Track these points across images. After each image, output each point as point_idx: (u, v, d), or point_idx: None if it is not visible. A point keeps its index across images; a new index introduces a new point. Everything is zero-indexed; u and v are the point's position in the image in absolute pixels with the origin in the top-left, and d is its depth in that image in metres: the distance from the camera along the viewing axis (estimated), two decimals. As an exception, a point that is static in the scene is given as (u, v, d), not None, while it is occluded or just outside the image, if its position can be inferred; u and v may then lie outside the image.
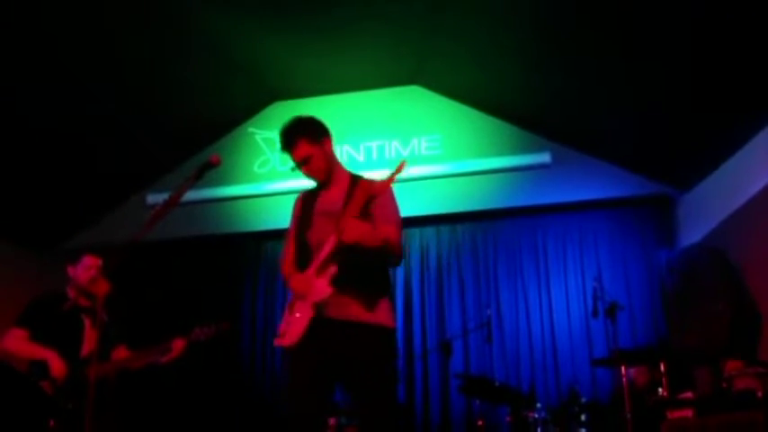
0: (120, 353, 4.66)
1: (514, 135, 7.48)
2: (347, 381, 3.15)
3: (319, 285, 3.14)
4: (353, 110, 7.78)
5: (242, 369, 7.67)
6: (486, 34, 6.17)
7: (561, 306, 7.19)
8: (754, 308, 5.68)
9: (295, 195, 3.59)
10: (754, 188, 5.70)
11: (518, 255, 7.46)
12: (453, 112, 7.66)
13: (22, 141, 6.50)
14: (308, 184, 3.49)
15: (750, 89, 5.24)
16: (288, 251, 3.44)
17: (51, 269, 7.09)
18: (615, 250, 7.25)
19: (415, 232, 7.65)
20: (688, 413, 4.65)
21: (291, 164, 3.39)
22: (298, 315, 3.18)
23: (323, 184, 3.41)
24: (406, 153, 7.66)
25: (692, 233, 6.85)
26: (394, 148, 7.70)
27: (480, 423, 5.79)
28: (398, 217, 3.36)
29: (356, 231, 3.04)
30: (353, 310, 3.15)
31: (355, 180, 3.39)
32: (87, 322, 4.56)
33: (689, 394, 5.06)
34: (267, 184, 7.80)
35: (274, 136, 7.74)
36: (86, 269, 4.59)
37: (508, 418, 5.69)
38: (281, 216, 7.45)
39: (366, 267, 3.20)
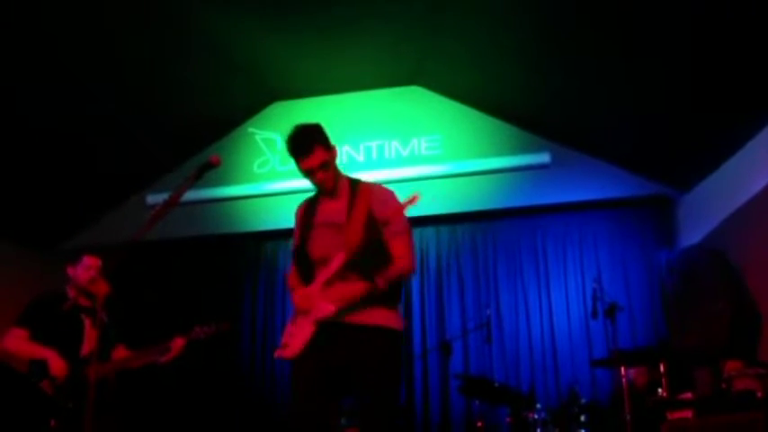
0: (120, 352, 4.67)
1: (514, 135, 7.48)
2: (352, 383, 3.13)
3: (322, 303, 3.12)
4: (353, 110, 7.78)
5: (241, 369, 7.67)
6: (485, 35, 6.17)
7: (561, 307, 7.20)
8: (753, 308, 5.68)
9: (295, 195, 3.58)
10: (754, 188, 5.69)
11: (518, 255, 7.46)
12: (453, 112, 7.66)
13: (22, 141, 6.49)
14: (306, 185, 3.45)
15: (750, 89, 5.23)
16: (293, 264, 3.41)
17: (51, 269, 7.08)
18: (615, 251, 7.25)
19: (415, 233, 7.51)
20: (688, 414, 4.64)
21: (293, 167, 3.32)
22: (299, 329, 3.17)
23: (327, 193, 3.33)
24: (405, 153, 7.66)
25: (692, 234, 6.85)
26: (394, 149, 7.70)
27: (480, 424, 5.79)
28: (410, 235, 3.35)
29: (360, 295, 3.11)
30: (362, 315, 3.14)
31: (354, 186, 3.35)
32: (87, 322, 4.56)
33: (688, 395, 5.05)
34: (267, 184, 7.79)
35: (274, 136, 7.92)
36: (86, 269, 4.59)
37: (508, 419, 5.69)
38: (280, 216, 7.48)
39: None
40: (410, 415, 7.09)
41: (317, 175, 3.24)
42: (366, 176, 3.41)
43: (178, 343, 4.55)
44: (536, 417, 5.45)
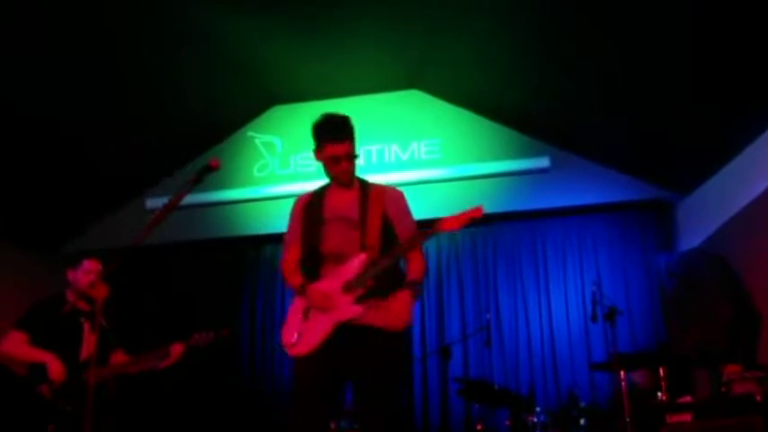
0: (119, 357, 4.66)
1: (514, 139, 7.49)
2: (360, 384, 3.12)
3: (345, 304, 3.13)
4: (353, 114, 7.64)
5: (241, 373, 7.67)
6: (485, 39, 6.18)
7: (560, 310, 7.19)
8: (753, 312, 5.68)
9: (292, 200, 3.54)
10: (754, 192, 5.70)
11: (517, 259, 7.46)
12: (453, 116, 7.66)
13: (21, 143, 6.49)
14: (307, 187, 3.46)
15: (750, 93, 5.24)
16: (290, 256, 3.37)
17: (51, 272, 7.09)
18: (614, 254, 7.25)
19: (415, 236, 7.63)
20: (687, 417, 4.65)
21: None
22: (314, 325, 3.15)
23: (344, 185, 3.34)
24: (405, 157, 7.67)
25: (692, 237, 6.85)
26: (393, 152, 7.71)
27: (480, 427, 5.79)
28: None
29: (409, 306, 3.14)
30: (378, 317, 3.13)
31: (365, 185, 3.39)
32: (86, 326, 4.56)
33: (688, 398, 5.05)
34: (266, 187, 7.80)
35: (274, 140, 7.92)
36: (86, 273, 4.59)
37: (507, 422, 5.69)
38: (280, 220, 7.39)
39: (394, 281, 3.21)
40: (410, 418, 7.09)
41: (343, 163, 3.28)
42: (362, 178, 3.41)
43: (177, 349, 4.55)
44: (536, 420, 5.45)
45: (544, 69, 6.24)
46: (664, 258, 6.85)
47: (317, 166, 8.41)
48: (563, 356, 7.00)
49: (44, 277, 7.19)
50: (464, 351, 7.16)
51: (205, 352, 4.67)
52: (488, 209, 7.68)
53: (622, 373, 5.06)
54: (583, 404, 5.56)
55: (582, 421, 5.41)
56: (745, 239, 5.89)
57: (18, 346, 4.42)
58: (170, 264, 8.12)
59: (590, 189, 7.23)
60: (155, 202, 7.77)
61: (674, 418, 4.68)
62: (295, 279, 3.29)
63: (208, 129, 7.77)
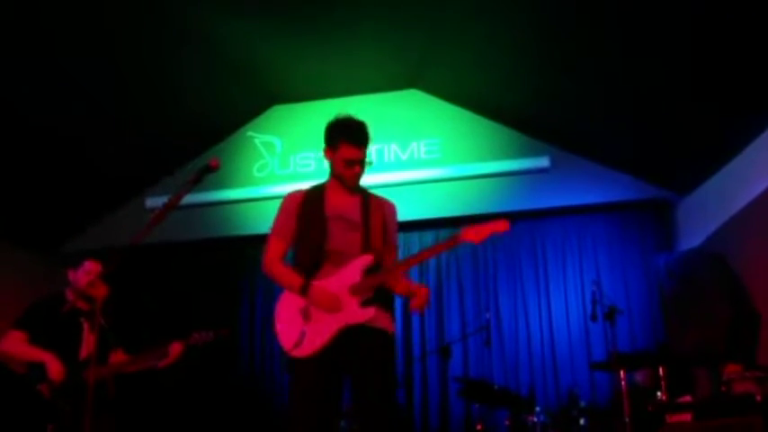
0: (118, 356, 4.66)
1: (513, 139, 7.49)
2: (361, 383, 3.11)
3: (353, 306, 3.13)
4: (352, 113, 7.76)
5: (240, 373, 7.67)
6: (484, 39, 6.18)
7: (560, 310, 7.20)
8: (752, 312, 5.68)
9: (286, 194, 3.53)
10: (754, 192, 5.70)
11: (517, 259, 7.46)
12: (452, 115, 7.66)
13: (21, 143, 6.50)
14: (306, 187, 3.45)
15: (750, 93, 5.24)
16: (276, 250, 3.34)
17: (51, 271, 7.10)
18: (614, 254, 7.26)
19: (414, 236, 7.64)
20: (687, 417, 4.64)
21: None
22: (318, 326, 3.14)
23: (351, 188, 3.34)
24: (405, 157, 7.67)
25: (691, 237, 6.85)
26: (393, 152, 7.71)
27: (479, 427, 5.78)
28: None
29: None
30: (381, 320, 3.17)
31: (365, 192, 3.40)
32: (85, 325, 4.56)
33: (688, 398, 5.05)
34: (266, 187, 7.79)
35: (273, 140, 7.92)
36: (87, 274, 4.59)
37: (507, 422, 5.69)
38: (280, 220, 7.47)
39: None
40: (409, 418, 7.09)
41: (356, 168, 3.28)
42: (365, 180, 3.41)
43: (176, 348, 4.55)
44: (535, 420, 5.45)
45: (544, 69, 6.24)
46: (663, 258, 6.85)
47: (317, 165, 8.47)
48: (563, 356, 7.00)
49: (44, 277, 7.20)
50: (464, 351, 7.16)
51: (204, 351, 4.68)
52: (488, 209, 7.78)
53: (622, 372, 5.06)
54: (582, 404, 5.56)
55: (582, 421, 5.41)
56: (744, 239, 5.89)
57: (17, 346, 4.43)
58: (169, 263, 8.12)
59: (590, 189, 7.23)
60: (154, 202, 7.77)
61: (673, 418, 4.68)
62: (293, 277, 3.23)
63: (207, 129, 7.77)
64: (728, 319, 5.72)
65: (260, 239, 7.85)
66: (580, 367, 6.81)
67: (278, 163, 7.88)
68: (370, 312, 3.12)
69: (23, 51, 5.63)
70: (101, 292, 4.14)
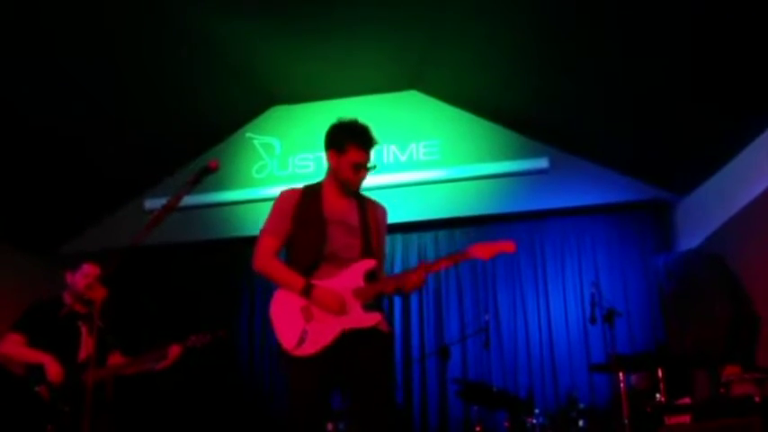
0: (116, 358, 4.66)
1: (512, 140, 7.49)
2: (361, 384, 3.10)
3: (357, 309, 3.13)
4: (351, 115, 7.73)
5: (239, 374, 7.66)
6: (484, 40, 6.18)
7: (559, 311, 7.19)
8: (752, 313, 5.68)
9: (281, 192, 3.52)
10: (753, 193, 5.70)
11: (516, 260, 7.45)
12: (451, 117, 7.66)
13: (21, 144, 6.49)
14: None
15: (749, 94, 5.24)
16: (271, 246, 3.31)
17: (49, 273, 7.08)
18: (613, 255, 7.25)
19: (413, 237, 7.64)
20: (686, 418, 4.65)
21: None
22: (321, 326, 3.12)
23: (351, 191, 3.33)
24: (404, 158, 7.66)
25: (690, 238, 6.85)
26: (392, 153, 7.70)
27: (478, 429, 5.78)
28: None
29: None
30: (375, 319, 3.17)
31: (361, 196, 3.40)
32: (83, 328, 4.56)
33: (687, 399, 5.05)
34: (265, 188, 7.78)
35: (273, 141, 7.91)
36: (85, 276, 4.58)
37: (506, 424, 5.68)
38: (279, 221, 7.46)
39: None
40: (408, 420, 7.08)
41: (361, 172, 3.28)
42: (364, 181, 3.40)
43: (174, 350, 4.55)
44: (534, 422, 5.45)
45: (543, 70, 6.24)
46: (662, 259, 6.85)
47: (316, 167, 8.46)
48: (562, 358, 7.00)
49: (42, 278, 7.18)
50: (463, 352, 7.15)
51: (203, 353, 4.67)
52: (487, 210, 7.77)
53: (621, 374, 5.06)
54: (581, 405, 5.56)
55: (581, 423, 5.41)
56: (743, 240, 5.89)
57: (16, 348, 4.42)
58: (168, 264, 8.11)
59: (589, 190, 7.24)
60: (153, 203, 7.76)
61: (672, 420, 4.69)
62: (292, 276, 3.20)
63: (206, 130, 7.76)
64: (728, 320, 5.72)
65: (259, 240, 7.92)
66: (579, 369, 6.80)
67: (277, 164, 7.87)
68: (377, 317, 3.13)
69: (23, 51, 5.63)
70: (99, 294, 4.13)
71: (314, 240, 3.23)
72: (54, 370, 4.29)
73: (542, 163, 7.31)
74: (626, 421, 4.82)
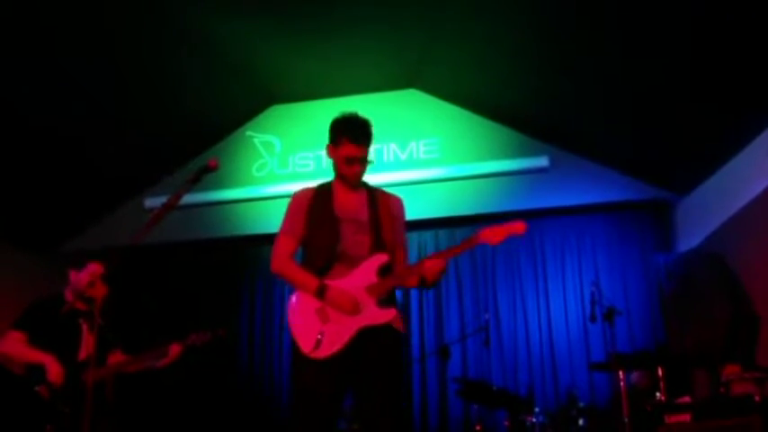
0: (116, 356, 4.66)
1: (512, 139, 7.48)
2: (370, 382, 3.09)
3: (372, 307, 3.12)
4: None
5: (240, 373, 7.67)
6: (484, 38, 6.18)
7: (559, 310, 7.20)
8: (751, 312, 5.68)
9: (294, 192, 3.52)
10: (753, 192, 5.70)
11: (516, 259, 7.46)
12: (451, 115, 7.66)
13: (21, 144, 6.49)
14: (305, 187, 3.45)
15: (749, 93, 5.24)
16: (286, 249, 3.33)
17: (49, 271, 7.09)
18: (613, 255, 7.25)
19: (413, 236, 7.63)
20: (686, 418, 4.65)
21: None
22: (337, 327, 3.12)
23: (352, 186, 3.33)
24: (404, 156, 7.67)
25: (690, 237, 6.85)
26: (392, 152, 7.70)
27: (478, 428, 5.78)
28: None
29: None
30: (395, 319, 3.17)
31: (371, 189, 3.40)
32: (84, 326, 4.56)
33: (687, 399, 5.05)
34: (265, 187, 7.79)
35: (273, 139, 7.91)
36: (90, 275, 4.58)
37: (506, 423, 5.69)
38: (279, 220, 7.44)
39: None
40: (408, 419, 7.08)
41: (355, 167, 3.26)
42: (364, 180, 3.41)
43: (174, 349, 4.56)
44: (534, 420, 5.45)
45: (543, 69, 6.24)
46: (662, 258, 6.86)
47: (316, 165, 8.47)
48: (562, 357, 7.00)
49: (43, 277, 7.18)
50: (463, 351, 7.15)
51: (203, 352, 4.68)
52: (487, 208, 7.77)
53: (621, 373, 5.07)
54: (581, 404, 5.56)
55: (581, 421, 5.41)
56: (743, 240, 5.89)
57: (16, 347, 4.42)
58: (168, 263, 8.12)
59: (589, 189, 7.23)
60: (153, 202, 7.76)
61: (672, 419, 4.68)
62: (307, 278, 3.21)
63: (206, 128, 7.76)
64: (727, 320, 5.72)
65: (259, 239, 7.97)
66: (579, 368, 6.81)
67: (277, 163, 7.87)
68: (392, 313, 3.13)
69: (23, 51, 5.63)
70: (100, 292, 4.15)
71: (327, 240, 3.24)
72: (55, 370, 4.28)
73: (542, 162, 7.30)
74: (626, 420, 4.83)
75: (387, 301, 3.17)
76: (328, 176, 3.45)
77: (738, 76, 5.13)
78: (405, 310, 7.44)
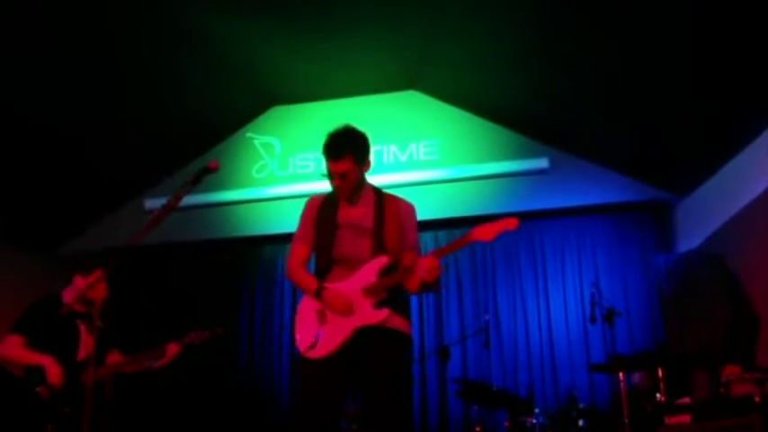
0: (114, 357, 4.66)
1: (512, 140, 7.48)
2: (373, 384, 3.11)
3: (367, 308, 3.14)
4: (351, 115, 7.70)
5: (240, 373, 7.66)
6: (483, 40, 6.18)
7: (559, 311, 7.19)
8: (751, 313, 5.68)
9: (293, 200, 3.57)
10: (753, 193, 5.70)
11: (516, 260, 7.46)
12: (451, 117, 7.66)
13: (21, 144, 6.49)
14: (305, 188, 3.46)
15: (749, 93, 5.24)
16: (298, 255, 3.38)
17: (49, 272, 7.08)
18: (613, 256, 7.25)
19: (413, 237, 7.62)
20: (686, 418, 4.64)
21: (321, 169, 3.33)
22: (332, 328, 3.16)
23: (344, 199, 3.35)
24: (404, 158, 7.67)
25: (690, 238, 6.85)
26: (392, 153, 7.70)
27: (478, 428, 5.78)
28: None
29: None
30: (395, 321, 3.18)
31: (380, 195, 3.41)
32: (83, 327, 4.55)
33: (687, 399, 5.05)
34: (265, 188, 7.79)
35: (273, 141, 7.91)
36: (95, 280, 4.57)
37: (506, 424, 5.69)
38: (279, 221, 7.47)
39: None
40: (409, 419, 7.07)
41: (334, 181, 3.29)
42: (373, 184, 3.42)
43: (172, 348, 4.56)
44: (534, 421, 5.45)
45: (543, 70, 6.24)
46: (662, 259, 6.85)
47: (316, 166, 8.50)
48: (562, 358, 7.00)
49: (42, 278, 7.17)
50: (463, 352, 7.15)
51: (203, 351, 4.68)
52: (487, 210, 7.78)
53: (621, 374, 5.06)
54: (581, 405, 5.57)
55: (581, 422, 5.41)
56: (743, 240, 5.89)
57: (16, 350, 4.41)
58: (168, 264, 8.11)
59: (589, 190, 7.23)
60: (153, 203, 7.75)
61: (672, 420, 4.68)
62: (309, 281, 3.28)
63: (207, 129, 7.76)
64: (727, 320, 5.72)
65: (259, 240, 7.96)
66: (579, 368, 6.80)
67: (277, 164, 7.87)
68: (384, 313, 3.14)
69: (23, 51, 5.63)
70: (100, 294, 4.15)
71: (324, 244, 3.30)
72: (54, 371, 4.28)
73: (542, 163, 7.30)
74: (626, 421, 4.83)
75: (386, 301, 3.18)
76: (327, 178, 3.45)
77: (739, 76, 5.13)
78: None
